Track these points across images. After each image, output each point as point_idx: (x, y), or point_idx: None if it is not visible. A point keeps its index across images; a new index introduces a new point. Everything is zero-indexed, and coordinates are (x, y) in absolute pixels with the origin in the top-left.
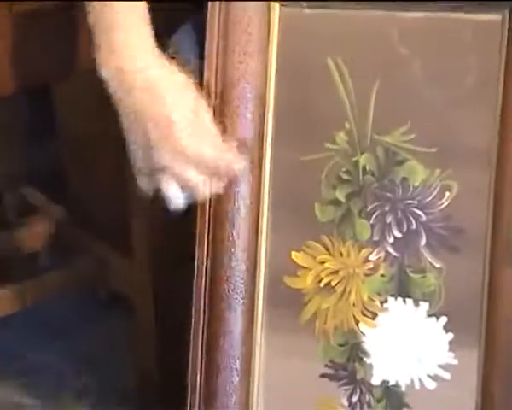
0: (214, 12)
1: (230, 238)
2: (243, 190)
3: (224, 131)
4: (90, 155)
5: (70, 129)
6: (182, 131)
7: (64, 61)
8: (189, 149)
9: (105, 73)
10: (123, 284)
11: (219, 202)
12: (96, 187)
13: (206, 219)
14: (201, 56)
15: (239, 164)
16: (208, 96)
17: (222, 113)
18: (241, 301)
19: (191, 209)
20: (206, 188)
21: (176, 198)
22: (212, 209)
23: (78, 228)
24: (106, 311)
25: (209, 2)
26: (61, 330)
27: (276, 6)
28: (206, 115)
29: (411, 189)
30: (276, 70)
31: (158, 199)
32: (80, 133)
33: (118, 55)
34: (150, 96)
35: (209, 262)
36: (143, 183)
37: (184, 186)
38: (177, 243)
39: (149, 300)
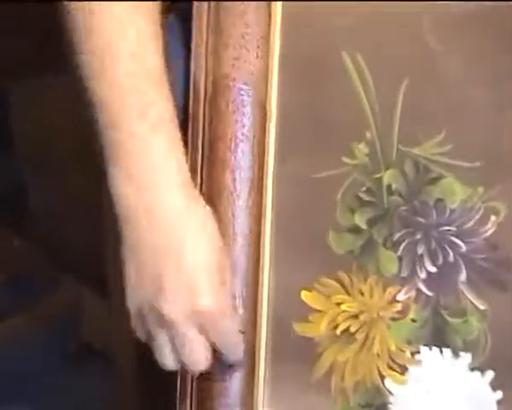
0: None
1: None
2: (240, 217)
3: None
4: (54, 169)
5: (29, 140)
6: (205, 288)
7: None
8: (207, 313)
9: (123, 203)
10: (97, 333)
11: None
12: (63, 208)
13: None
14: (187, 52)
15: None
16: (197, 101)
17: (214, 120)
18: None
19: None
20: (203, 359)
21: (168, 360)
22: None
23: (42, 260)
24: (76, 367)
25: None
26: (21, 390)
27: None
28: (227, 278)
29: (448, 212)
30: (280, 66)
31: None
32: (42, 145)
33: (141, 188)
34: (177, 241)
35: None
36: (136, 323)
37: (182, 350)
38: None
39: (130, 354)
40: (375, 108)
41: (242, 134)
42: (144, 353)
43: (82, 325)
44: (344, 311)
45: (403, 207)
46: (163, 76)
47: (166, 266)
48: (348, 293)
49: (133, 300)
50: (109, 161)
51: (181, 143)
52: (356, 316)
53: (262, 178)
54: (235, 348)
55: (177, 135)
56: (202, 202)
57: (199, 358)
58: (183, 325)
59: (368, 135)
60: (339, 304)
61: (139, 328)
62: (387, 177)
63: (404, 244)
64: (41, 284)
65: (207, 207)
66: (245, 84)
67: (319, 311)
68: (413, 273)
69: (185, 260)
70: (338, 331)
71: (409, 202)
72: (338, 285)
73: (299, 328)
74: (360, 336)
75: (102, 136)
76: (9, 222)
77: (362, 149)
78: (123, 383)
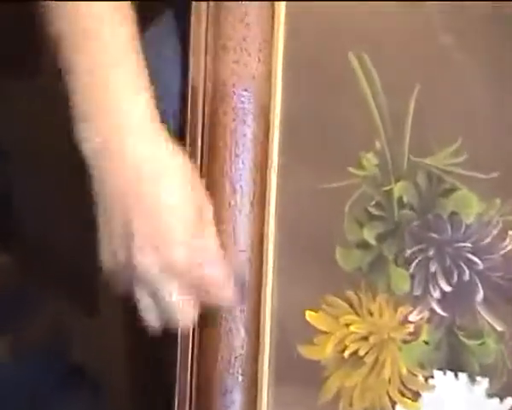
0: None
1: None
2: (241, 231)
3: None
4: (38, 175)
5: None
6: (178, 238)
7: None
8: (184, 265)
9: (88, 147)
10: (87, 353)
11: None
12: (48, 219)
13: None
14: (185, 55)
15: (234, 295)
16: (195, 107)
17: (213, 128)
18: (240, 377)
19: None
20: (189, 314)
21: (151, 316)
22: None
23: (25, 275)
24: (64, 389)
25: None
26: None
27: None
28: (210, 224)
29: (463, 227)
30: (283, 71)
31: None
32: (27, 148)
33: (110, 133)
34: (147, 187)
35: (196, 327)
36: (112, 278)
37: (163, 305)
38: None
39: (122, 375)
40: (385, 114)
41: (243, 144)
42: (139, 376)
43: (69, 345)
44: (352, 332)
45: (415, 222)
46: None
47: (135, 213)
48: (357, 313)
49: (107, 256)
50: (73, 108)
51: (146, 78)
52: (365, 338)
53: (265, 189)
54: (223, 297)
55: (141, 69)
56: (172, 143)
57: (183, 314)
58: (158, 279)
59: (377, 144)
60: (347, 325)
61: (118, 285)
62: (398, 189)
63: (416, 261)
64: (24, 302)
65: (178, 149)
66: (246, 90)
67: (325, 332)
68: (426, 292)
69: (155, 205)
70: (346, 354)
71: (421, 215)
72: (346, 305)
73: (303, 350)
74: (369, 360)
75: (67, 81)
76: None
77: (371, 159)
78: (114, 407)
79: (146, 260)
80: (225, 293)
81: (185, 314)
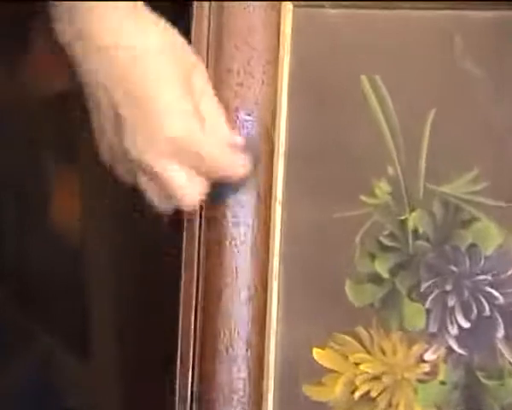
0: (201, 14)
1: (225, 332)
2: (243, 267)
3: None
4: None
5: None
6: (169, 113)
7: None
8: (178, 140)
9: (61, 37)
10: (78, 399)
11: (210, 276)
12: (36, 248)
13: (193, 308)
14: None
15: (245, 165)
16: None
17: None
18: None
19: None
20: (196, 194)
21: (160, 203)
22: (200, 287)
23: (9, 313)
24: None
25: (195, 3)
26: None
27: (287, 6)
28: (208, 94)
29: (483, 259)
30: (289, 94)
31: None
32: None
33: (75, 14)
34: (129, 59)
35: (196, 368)
36: (119, 171)
37: (168, 190)
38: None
39: None
40: (399, 139)
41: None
42: None
43: (61, 391)
44: (363, 372)
45: (430, 254)
46: None
47: (122, 102)
48: (368, 351)
49: (104, 150)
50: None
51: None
52: (377, 378)
53: (269, 220)
54: (230, 168)
55: None
56: (150, 15)
57: (188, 194)
58: (155, 163)
59: (390, 171)
60: (357, 364)
61: (121, 176)
62: (413, 219)
63: (432, 296)
64: (9, 341)
65: (162, 22)
66: (249, 112)
67: (334, 371)
68: (443, 329)
69: (140, 81)
70: (356, 395)
71: (437, 247)
72: (356, 342)
73: (310, 391)
74: (382, 402)
75: None
76: None
77: (383, 187)
78: None
79: (141, 146)
80: (231, 164)
81: (190, 193)
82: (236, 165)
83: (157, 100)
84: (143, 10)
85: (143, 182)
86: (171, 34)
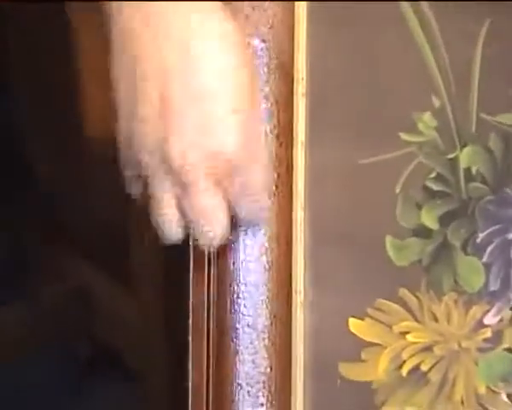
0: None
1: (236, 305)
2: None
3: None
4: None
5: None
6: (231, 126)
7: None
8: (233, 161)
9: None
10: (116, 332)
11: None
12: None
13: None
14: None
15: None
16: None
17: None
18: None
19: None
20: (220, 232)
21: (170, 230)
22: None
23: (42, 238)
24: (90, 376)
25: None
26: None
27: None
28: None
29: None
30: (309, 18)
31: None
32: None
33: None
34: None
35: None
36: (128, 178)
37: (191, 216)
38: None
39: (158, 360)
40: (445, 63)
41: (264, 107)
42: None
43: (95, 322)
44: (411, 343)
45: (488, 198)
46: None
47: (170, 86)
48: (416, 319)
49: (127, 140)
50: None
51: None
52: (428, 349)
53: (291, 168)
54: (259, 200)
55: None
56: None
57: (215, 221)
58: (195, 170)
59: (435, 102)
60: (403, 334)
61: (134, 180)
62: (465, 157)
63: (491, 247)
64: (43, 270)
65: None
66: (263, 41)
67: (376, 345)
68: (506, 286)
69: (195, 75)
70: (404, 372)
71: (496, 189)
72: (401, 309)
73: (348, 371)
74: (435, 377)
75: None
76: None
77: (428, 121)
78: (149, 396)
79: (181, 145)
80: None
81: (216, 226)
82: (265, 205)
83: (222, 103)
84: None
85: (160, 196)
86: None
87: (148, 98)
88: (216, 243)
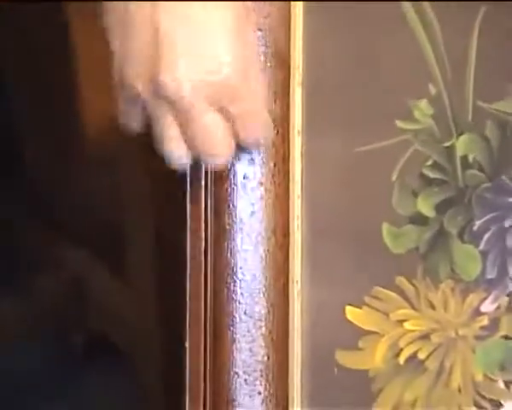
0: None
1: (233, 294)
2: (259, 214)
3: None
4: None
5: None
6: (221, 44)
7: None
8: (230, 81)
9: None
10: (111, 320)
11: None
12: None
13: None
14: None
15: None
16: None
17: None
18: (263, 399)
19: None
20: (227, 153)
21: (180, 156)
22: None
23: (37, 225)
24: (84, 365)
25: None
26: (18, 395)
27: None
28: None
29: None
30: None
31: None
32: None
33: None
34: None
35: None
36: (123, 112)
37: (193, 131)
38: None
39: (150, 345)
40: (441, 50)
41: None
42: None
43: (90, 311)
44: (408, 331)
45: (485, 185)
46: None
47: (163, 16)
48: (413, 307)
49: (122, 73)
50: None
51: None
52: (425, 337)
53: (287, 157)
54: (262, 122)
55: None
56: None
57: (218, 144)
58: (192, 96)
59: (432, 89)
60: (400, 322)
61: (131, 114)
62: (461, 144)
63: (488, 235)
64: (35, 258)
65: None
66: (260, 29)
67: (373, 333)
68: (502, 273)
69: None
70: (401, 360)
71: (492, 177)
72: (398, 297)
73: (345, 359)
74: (433, 365)
75: None
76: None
77: (424, 108)
78: (145, 385)
79: (182, 74)
80: (267, 126)
81: (222, 147)
82: (269, 128)
83: (211, 25)
84: None
85: (166, 125)
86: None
87: (139, 30)
88: (223, 162)
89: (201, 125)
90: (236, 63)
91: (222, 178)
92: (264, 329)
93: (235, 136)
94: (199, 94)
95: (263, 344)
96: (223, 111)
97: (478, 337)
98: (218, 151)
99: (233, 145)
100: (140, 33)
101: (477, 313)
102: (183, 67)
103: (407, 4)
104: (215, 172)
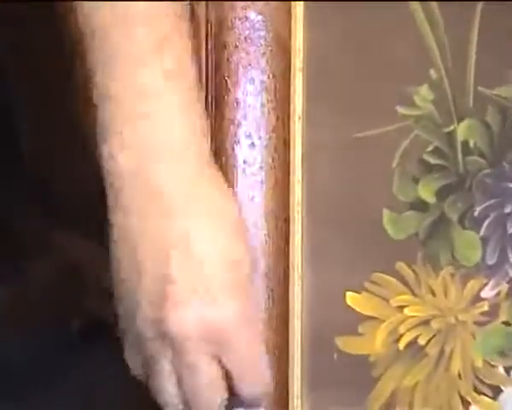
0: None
1: None
2: (259, 200)
3: None
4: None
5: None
6: (222, 294)
7: None
8: (228, 323)
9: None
10: (108, 304)
11: None
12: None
13: None
14: None
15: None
16: (197, 39)
17: (218, 65)
18: None
19: None
20: (216, 401)
21: (170, 399)
22: None
23: (33, 212)
24: (83, 351)
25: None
26: (16, 384)
27: None
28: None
29: None
30: None
31: None
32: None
33: (139, 158)
34: (185, 230)
35: None
36: (129, 355)
37: (190, 383)
38: None
39: None
40: (442, 35)
41: (261, 80)
42: None
43: (87, 296)
44: (408, 317)
45: (485, 171)
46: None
47: (170, 263)
48: (413, 292)
49: (126, 316)
50: (102, 130)
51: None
52: (425, 323)
53: (288, 142)
54: (259, 380)
55: (193, 90)
56: (221, 182)
57: (211, 396)
58: (194, 346)
59: (432, 74)
60: (400, 308)
61: (133, 355)
62: (462, 130)
63: (488, 221)
64: (32, 244)
65: (228, 191)
66: (260, 14)
67: (373, 318)
68: (503, 259)
69: (195, 254)
70: (401, 345)
71: (493, 163)
72: (398, 282)
73: (345, 344)
74: (433, 351)
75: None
76: None
77: (425, 94)
78: None
79: (184, 322)
80: (263, 374)
81: (211, 397)
82: (266, 378)
83: (215, 273)
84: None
85: (162, 364)
86: (233, 202)
87: (148, 276)
88: None
89: (195, 372)
90: (236, 310)
91: (222, 162)
92: (264, 314)
93: (233, 388)
94: (198, 341)
95: (263, 330)
96: (216, 359)
97: (478, 323)
98: (209, 402)
99: (225, 395)
100: (149, 278)
101: (477, 299)
102: (187, 313)
103: None
104: (215, 155)
